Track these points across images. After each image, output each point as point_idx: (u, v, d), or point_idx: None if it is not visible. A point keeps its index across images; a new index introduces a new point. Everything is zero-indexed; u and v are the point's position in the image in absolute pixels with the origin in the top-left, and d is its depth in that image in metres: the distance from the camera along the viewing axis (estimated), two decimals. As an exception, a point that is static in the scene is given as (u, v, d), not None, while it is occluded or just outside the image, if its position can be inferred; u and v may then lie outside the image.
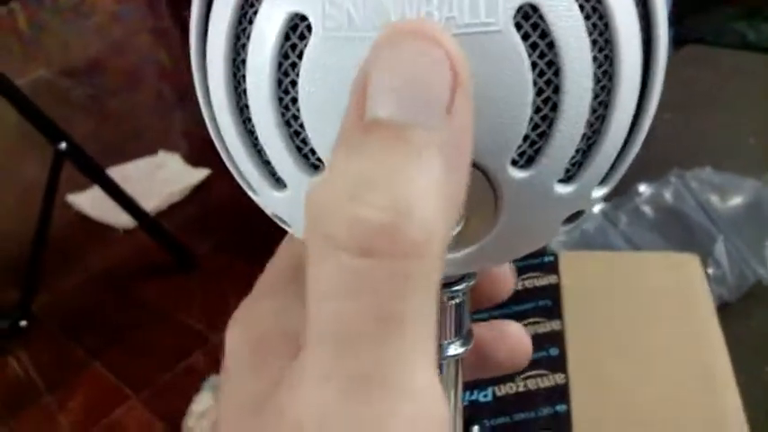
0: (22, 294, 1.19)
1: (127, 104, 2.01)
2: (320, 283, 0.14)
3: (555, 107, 0.16)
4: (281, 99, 0.17)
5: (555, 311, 0.53)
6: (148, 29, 2.63)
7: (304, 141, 0.17)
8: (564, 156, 0.17)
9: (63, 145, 1.09)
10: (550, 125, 0.16)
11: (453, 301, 0.23)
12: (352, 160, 0.14)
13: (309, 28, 0.16)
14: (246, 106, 0.18)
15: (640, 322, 0.52)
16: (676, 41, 1.46)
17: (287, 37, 0.16)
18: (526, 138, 0.16)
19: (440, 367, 0.24)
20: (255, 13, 0.16)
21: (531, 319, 0.53)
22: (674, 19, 1.45)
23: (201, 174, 1.47)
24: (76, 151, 1.12)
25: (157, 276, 1.28)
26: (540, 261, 0.57)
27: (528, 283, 0.55)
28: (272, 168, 0.18)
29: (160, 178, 1.49)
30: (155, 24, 2.68)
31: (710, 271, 0.78)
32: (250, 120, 0.18)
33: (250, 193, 0.20)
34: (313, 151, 0.17)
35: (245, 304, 0.21)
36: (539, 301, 0.54)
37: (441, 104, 0.14)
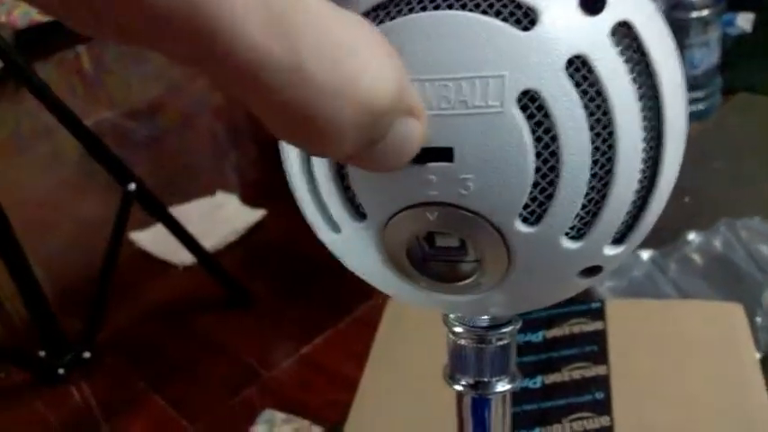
0: (86, 326, 1.22)
1: (184, 145, 2.08)
2: None
3: (558, 173, 0.19)
4: (337, 162, 0.21)
5: (601, 357, 0.55)
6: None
7: (354, 194, 0.22)
8: (568, 214, 0.20)
9: (132, 186, 1.13)
10: (555, 188, 0.19)
11: (501, 342, 0.26)
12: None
13: None
14: (311, 167, 0.22)
15: (684, 369, 0.54)
16: (726, 90, 1.46)
17: None
18: (535, 199, 0.19)
19: (488, 403, 0.28)
20: None
21: (578, 364, 0.55)
22: (724, 68, 1.46)
23: (258, 214, 1.51)
24: (143, 192, 1.16)
25: (214, 312, 1.31)
26: (587, 307, 0.59)
27: (576, 329, 0.57)
28: (330, 215, 0.23)
29: (219, 218, 1.53)
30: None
31: (758, 320, 0.79)
32: (314, 176, 0.22)
33: (316, 233, 0.24)
34: (360, 203, 0.22)
35: None
36: (585, 347, 0.56)
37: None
